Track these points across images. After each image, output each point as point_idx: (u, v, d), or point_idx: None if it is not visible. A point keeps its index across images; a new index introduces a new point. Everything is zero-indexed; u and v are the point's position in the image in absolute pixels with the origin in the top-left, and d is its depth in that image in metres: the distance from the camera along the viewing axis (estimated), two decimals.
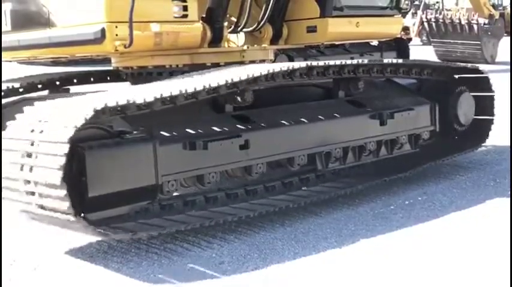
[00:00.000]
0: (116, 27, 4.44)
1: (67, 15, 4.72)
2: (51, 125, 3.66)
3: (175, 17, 4.76)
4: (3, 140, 3.84)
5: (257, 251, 4.06)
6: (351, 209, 4.91)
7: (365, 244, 4.17)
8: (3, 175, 3.81)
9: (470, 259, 3.85)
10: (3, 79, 6.14)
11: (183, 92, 4.00)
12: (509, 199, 5.07)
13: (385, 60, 5.57)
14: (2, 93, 5.74)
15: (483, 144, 6.33)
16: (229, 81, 4.21)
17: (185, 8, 4.78)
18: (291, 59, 9.41)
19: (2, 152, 3.81)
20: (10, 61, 6.55)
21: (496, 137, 6.47)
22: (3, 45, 5.41)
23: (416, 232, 4.40)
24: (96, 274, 3.77)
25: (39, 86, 6.02)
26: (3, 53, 5.76)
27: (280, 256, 3.97)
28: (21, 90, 5.85)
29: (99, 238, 4.07)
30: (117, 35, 4.45)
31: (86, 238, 4.12)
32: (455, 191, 5.40)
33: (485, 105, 6.21)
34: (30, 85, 5.94)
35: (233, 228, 4.44)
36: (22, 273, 3.82)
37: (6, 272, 3.81)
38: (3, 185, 3.82)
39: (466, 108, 6.19)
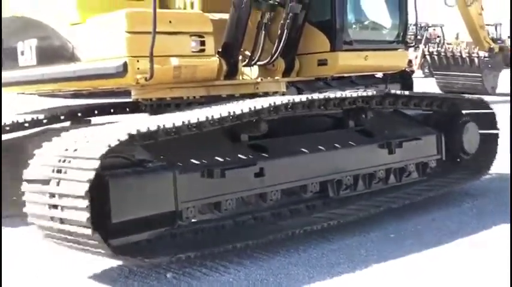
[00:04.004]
0: (138, 61, 4.48)
1: (91, 50, 4.77)
2: (74, 157, 3.69)
3: (193, 52, 4.80)
4: (29, 169, 3.89)
5: (272, 276, 4.04)
6: (362, 236, 4.89)
7: (377, 268, 4.16)
8: (27, 200, 3.85)
9: (478, 284, 3.84)
10: (27, 111, 6.21)
11: (190, 122, 4.06)
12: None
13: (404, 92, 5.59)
14: (27, 125, 5.82)
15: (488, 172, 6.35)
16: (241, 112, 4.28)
17: (202, 43, 4.83)
18: (299, 91, 9.46)
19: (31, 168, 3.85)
20: (34, 94, 6.66)
21: (499, 166, 6.48)
22: (27, 79, 5.47)
23: (426, 257, 4.38)
24: None
25: (62, 117, 6.09)
26: (27, 86, 5.85)
27: (295, 281, 3.96)
28: (45, 121, 5.93)
29: (121, 263, 4.08)
30: (138, 68, 4.49)
31: (108, 262, 4.13)
32: (462, 217, 5.37)
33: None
34: (54, 117, 6.01)
35: (249, 253, 4.42)
36: None
37: None
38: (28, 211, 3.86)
39: (470, 137, 6.22)
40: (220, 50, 5.13)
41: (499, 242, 4.69)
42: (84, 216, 3.50)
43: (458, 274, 4.04)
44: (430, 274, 4.04)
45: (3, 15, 5.55)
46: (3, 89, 5.96)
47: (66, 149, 3.77)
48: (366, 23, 5.99)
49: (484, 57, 17.24)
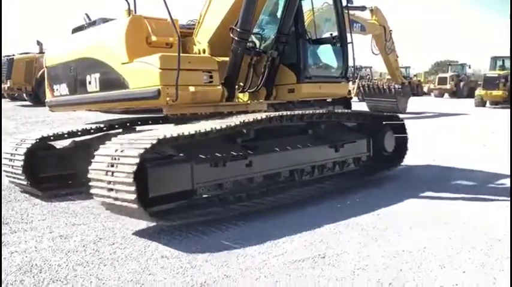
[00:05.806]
0: (167, 88, 4.46)
1: (136, 80, 4.74)
2: (123, 155, 3.67)
3: (205, 83, 4.79)
4: (92, 163, 3.85)
5: (258, 233, 4.03)
6: (316, 207, 4.83)
7: (326, 228, 4.15)
8: (92, 185, 3.80)
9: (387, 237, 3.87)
10: (93, 122, 6.14)
11: (211, 129, 4.05)
12: (412, 199, 5.05)
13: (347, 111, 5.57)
14: (93, 131, 5.76)
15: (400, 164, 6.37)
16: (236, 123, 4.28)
17: (211, 77, 4.82)
18: (276, 110, 9.36)
19: (94, 162, 3.79)
20: (97, 110, 6.58)
21: (407, 160, 6.48)
22: (93, 100, 5.39)
23: (358, 220, 4.36)
24: (151, 245, 3.73)
25: (116, 126, 6.03)
26: (93, 105, 5.76)
27: (271, 235, 3.95)
28: (104, 129, 5.87)
29: (155, 223, 4.05)
30: (168, 93, 4.47)
31: (145, 223, 4.10)
32: (382, 194, 5.34)
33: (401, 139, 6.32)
34: (111, 126, 5.96)
35: (242, 218, 4.37)
36: (109, 246, 3.78)
37: (97, 248, 3.77)
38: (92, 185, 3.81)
39: (389, 140, 6.24)
40: (223, 81, 5.12)
41: (407, 209, 4.70)
42: (132, 195, 3.49)
43: (377, 232, 4.05)
44: (358, 231, 4.05)
45: (77, 57, 5.48)
46: (77, 107, 5.89)
47: (116, 150, 3.74)
48: (320, 64, 5.99)
49: (398, 88, 17.44)
